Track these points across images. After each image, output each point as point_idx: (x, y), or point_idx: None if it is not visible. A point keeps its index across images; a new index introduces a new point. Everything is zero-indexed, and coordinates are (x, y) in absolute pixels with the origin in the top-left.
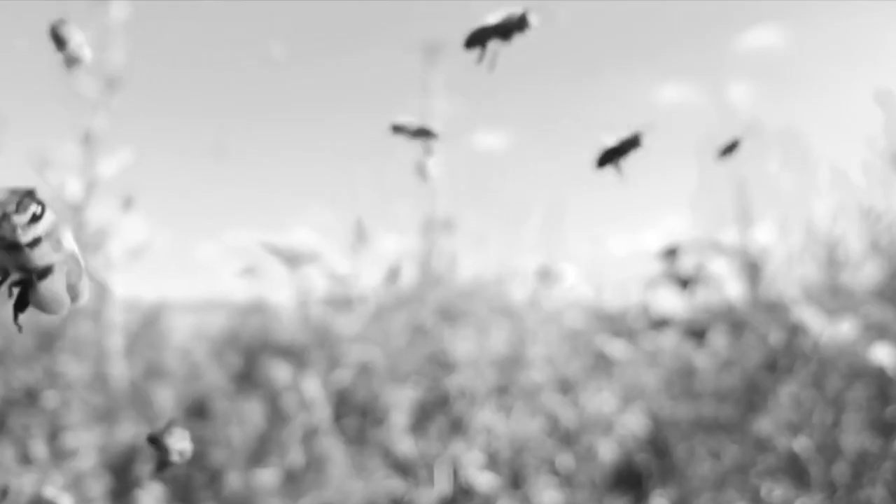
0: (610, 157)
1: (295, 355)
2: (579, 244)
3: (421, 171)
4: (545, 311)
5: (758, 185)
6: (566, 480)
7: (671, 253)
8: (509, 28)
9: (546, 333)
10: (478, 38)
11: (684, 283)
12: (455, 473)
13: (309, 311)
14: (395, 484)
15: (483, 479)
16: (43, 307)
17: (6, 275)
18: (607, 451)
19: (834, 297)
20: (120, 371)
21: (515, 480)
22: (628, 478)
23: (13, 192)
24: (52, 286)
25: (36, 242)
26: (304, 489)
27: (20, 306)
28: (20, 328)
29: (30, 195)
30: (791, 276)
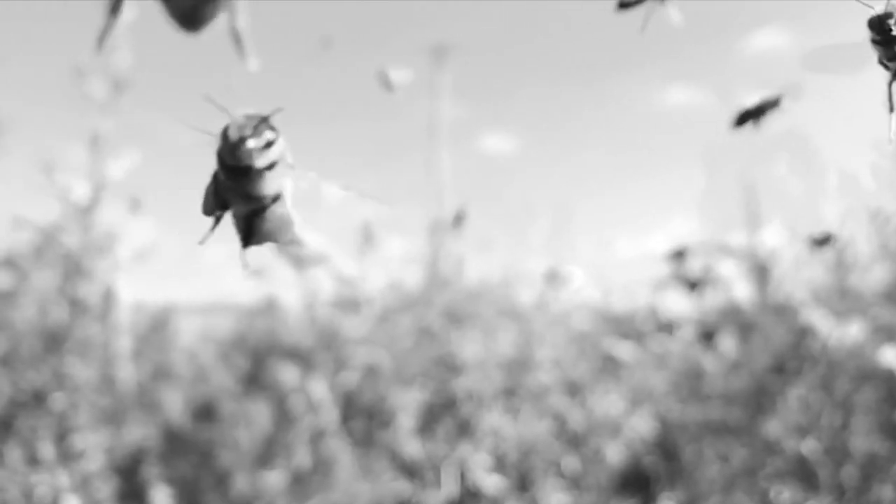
0: (748, 117)
1: (302, 357)
2: (587, 246)
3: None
4: (552, 313)
5: (766, 188)
6: (574, 483)
7: (679, 255)
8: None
9: (553, 336)
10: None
11: (692, 285)
12: (462, 476)
13: (316, 313)
14: (402, 486)
15: (490, 482)
16: (271, 236)
17: (224, 206)
18: (615, 454)
19: (842, 300)
20: (127, 373)
21: (523, 483)
22: (636, 480)
23: (248, 117)
24: (281, 212)
25: (270, 168)
26: (311, 491)
27: (249, 237)
28: (246, 265)
29: (264, 121)
30: (799, 279)
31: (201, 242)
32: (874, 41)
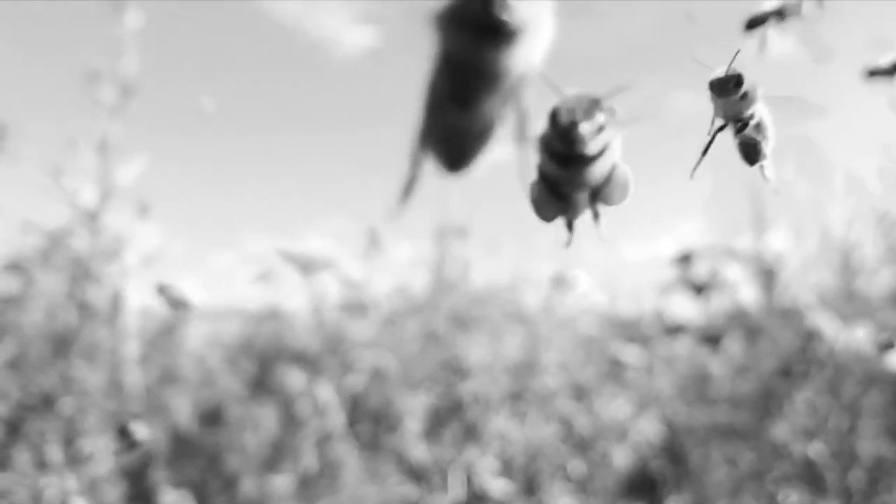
0: (881, 73)
1: (309, 362)
2: (593, 250)
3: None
4: (559, 317)
5: (772, 192)
6: (580, 487)
7: (685, 259)
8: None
9: (560, 340)
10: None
11: (699, 289)
12: (469, 479)
13: (323, 317)
14: (409, 490)
15: (497, 486)
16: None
17: (564, 204)
18: (622, 458)
19: (849, 303)
20: (135, 377)
21: (529, 487)
22: (643, 484)
23: (580, 98)
24: (619, 182)
25: (601, 154)
26: (318, 495)
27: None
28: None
29: (596, 102)
30: (806, 283)
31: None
32: (713, 100)
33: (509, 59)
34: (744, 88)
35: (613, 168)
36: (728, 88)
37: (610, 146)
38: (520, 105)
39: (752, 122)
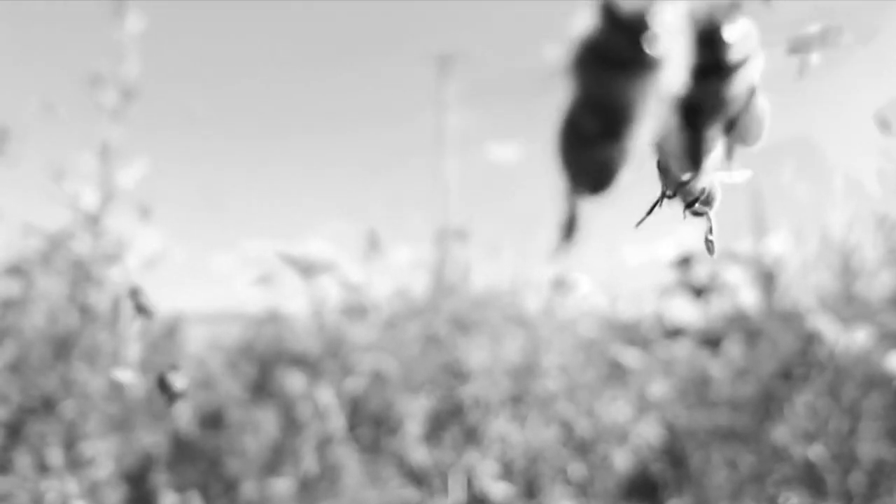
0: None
1: (309, 365)
2: (593, 253)
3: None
4: (559, 320)
5: (772, 194)
6: (581, 490)
7: (685, 262)
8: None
9: (560, 342)
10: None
11: (699, 292)
12: (469, 483)
13: (323, 320)
14: (410, 493)
15: (497, 489)
16: (746, 139)
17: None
18: (622, 461)
19: (849, 306)
20: (136, 381)
21: (530, 490)
22: (643, 487)
23: (716, 4)
24: (757, 114)
25: (744, 63)
26: (319, 498)
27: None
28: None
29: (736, 6)
30: (806, 285)
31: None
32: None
33: (656, 86)
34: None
35: (752, 93)
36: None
37: (751, 62)
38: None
39: (702, 197)
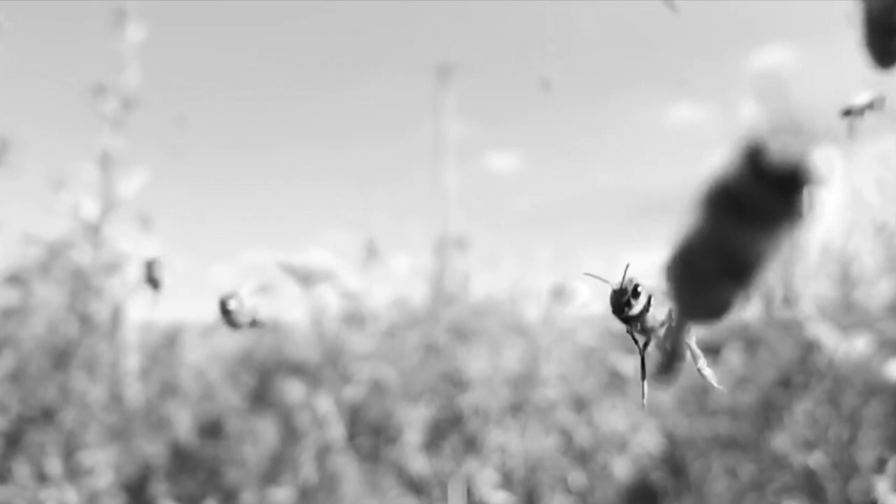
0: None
1: (308, 374)
2: (592, 262)
3: None
4: (558, 328)
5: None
6: (581, 499)
7: None
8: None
9: (559, 351)
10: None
11: None
12: (469, 492)
13: (322, 329)
14: (409, 502)
15: (497, 498)
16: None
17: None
18: (622, 469)
19: (848, 314)
20: (135, 391)
21: (530, 499)
22: (643, 496)
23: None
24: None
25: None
26: None
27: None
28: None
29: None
30: (805, 293)
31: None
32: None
33: (797, 238)
34: (640, 302)
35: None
36: (622, 304)
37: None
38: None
39: (651, 332)
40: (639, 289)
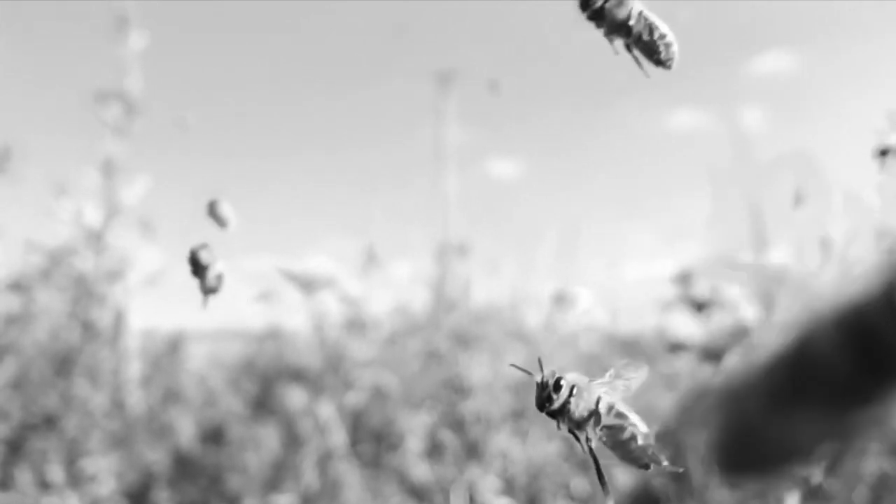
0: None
1: (310, 380)
2: (594, 268)
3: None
4: (560, 335)
5: (771, 209)
6: None
7: (686, 277)
8: None
9: (561, 357)
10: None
11: (700, 306)
12: (471, 499)
13: (324, 336)
14: None
15: None
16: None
17: None
18: (624, 476)
19: None
20: (137, 398)
21: None
22: (645, 502)
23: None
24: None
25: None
26: None
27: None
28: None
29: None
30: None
31: None
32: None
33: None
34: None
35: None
36: (543, 399)
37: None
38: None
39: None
40: (560, 382)
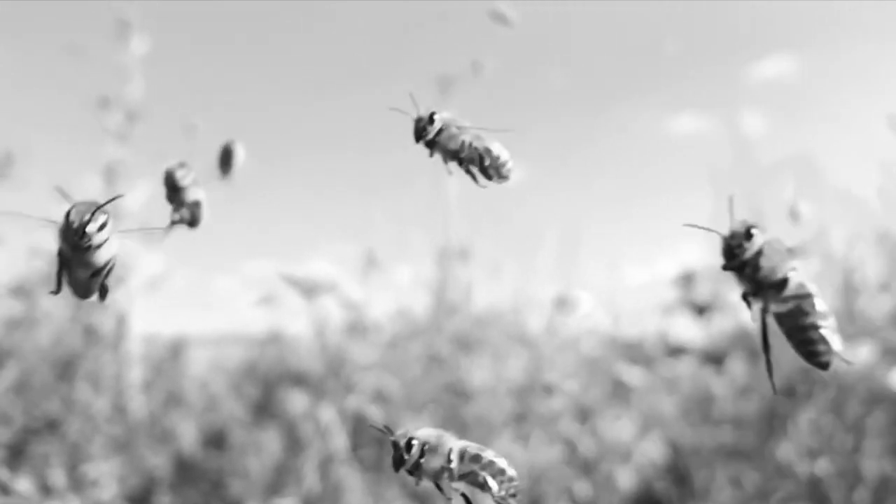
0: None
1: (311, 385)
2: (595, 272)
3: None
4: (562, 338)
5: (773, 213)
6: None
7: (687, 280)
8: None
9: (563, 361)
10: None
11: (701, 310)
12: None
13: (325, 340)
14: None
15: None
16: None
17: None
18: (626, 479)
19: (851, 323)
20: (139, 402)
21: None
22: None
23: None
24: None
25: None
26: None
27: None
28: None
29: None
30: None
31: None
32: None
33: None
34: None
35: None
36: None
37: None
38: None
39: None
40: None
